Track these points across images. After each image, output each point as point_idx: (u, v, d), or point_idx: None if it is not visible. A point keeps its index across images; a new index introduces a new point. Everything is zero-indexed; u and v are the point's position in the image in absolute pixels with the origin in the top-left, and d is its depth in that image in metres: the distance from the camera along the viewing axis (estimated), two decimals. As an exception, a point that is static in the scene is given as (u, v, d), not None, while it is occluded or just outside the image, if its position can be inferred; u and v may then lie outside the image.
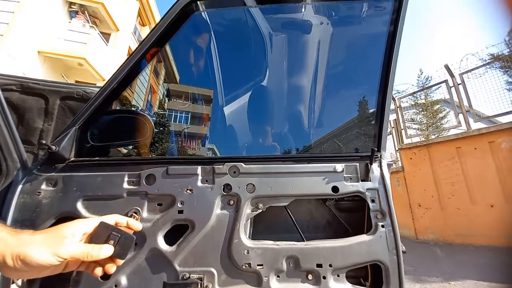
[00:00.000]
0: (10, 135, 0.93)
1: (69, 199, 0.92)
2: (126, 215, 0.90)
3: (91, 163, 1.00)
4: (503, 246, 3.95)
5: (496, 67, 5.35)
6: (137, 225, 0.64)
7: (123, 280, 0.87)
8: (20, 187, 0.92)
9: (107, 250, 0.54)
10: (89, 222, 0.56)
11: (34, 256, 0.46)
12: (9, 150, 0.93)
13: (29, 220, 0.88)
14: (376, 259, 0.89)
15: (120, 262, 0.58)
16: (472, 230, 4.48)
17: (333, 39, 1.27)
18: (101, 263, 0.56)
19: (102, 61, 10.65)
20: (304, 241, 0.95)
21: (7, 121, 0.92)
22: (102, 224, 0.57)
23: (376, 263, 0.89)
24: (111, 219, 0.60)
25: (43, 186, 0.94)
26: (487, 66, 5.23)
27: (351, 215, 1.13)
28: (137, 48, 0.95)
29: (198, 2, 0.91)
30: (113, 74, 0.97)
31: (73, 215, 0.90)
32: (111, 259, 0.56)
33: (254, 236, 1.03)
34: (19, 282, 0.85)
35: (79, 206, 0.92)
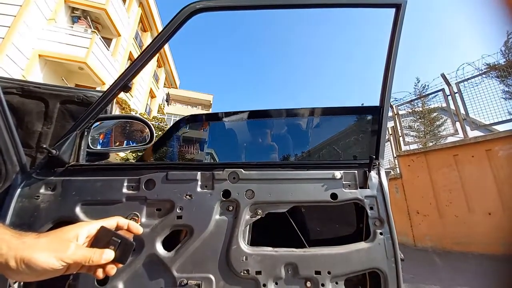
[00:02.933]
0: (10, 138, 0.93)
1: (68, 204, 0.92)
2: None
3: (90, 168, 1.00)
4: (501, 254, 3.94)
5: (492, 77, 5.44)
6: (137, 229, 0.65)
7: (120, 286, 0.86)
8: (18, 190, 0.91)
9: (108, 255, 0.54)
10: (92, 226, 0.57)
11: (38, 260, 0.47)
12: (9, 153, 0.93)
13: (27, 224, 0.87)
14: (374, 266, 0.89)
15: (121, 264, 0.58)
16: (470, 238, 4.47)
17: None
18: (102, 265, 0.56)
19: (103, 66, 10.73)
20: (306, 247, 0.95)
21: (8, 124, 0.93)
22: (103, 229, 0.57)
23: (375, 270, 0.89)
24: (113, 221, 0.61)
25: (42, 190, 0.94)
26: (484, 76, 5.32)
27: (349, 222, 1.13)
28: (140, 54, 0.97)
29: (203, 10, 0.93)
30: (115, 80, 0.98)
31: (72, 220, 0.90)
32: (112, 261, 0.56)
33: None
34: (16, 286, 0.84)
35: (78, 210, 0.92)
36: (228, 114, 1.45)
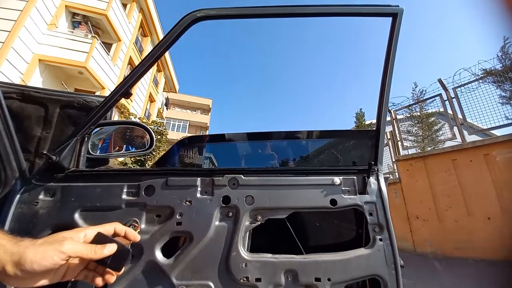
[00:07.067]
0: (10, 143, 0.93)
1: (67, 210, 0.92)
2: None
3: (90, 174, 1.00)
4: (502, 259, 3.92)
5: (489, 82, 5.50)
6: (134, 236, 0.64)
7: None
8: (18, 196, 0.91)
9: (111, 247, 0.54)
10: (89, 231, 0.56)
11: (35, 257, 0.46)
12: (9, 159, 0.93)
13: (26, 231, 0.87)
14: (374, 273, 0.89)
15: (117, 272, 0.57)
16: (470, 243, 4.45)
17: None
18: (100, 272, 0.56)
19: (103, 70, 10.78)
20: (303, 254, 0.95)
21: (8, 129, 0.93)
22: (99, 235, 0.57)
23: (375, 277, 0.89)
24: (110, 227, 0.61)
25: (41, 196, 0.93)
26: (480, 81, 5.38)
27: (349, 228, 1.13)
28: (140, 62, 0.98)
29: (204, 18, 0.94)
30: (116, 87, 0.99)
31: (71, 226, 0.89)
32: (107, 268, 0.56)
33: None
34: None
35: (77, 217, 0.91)
36: (225, 136, 1.46)
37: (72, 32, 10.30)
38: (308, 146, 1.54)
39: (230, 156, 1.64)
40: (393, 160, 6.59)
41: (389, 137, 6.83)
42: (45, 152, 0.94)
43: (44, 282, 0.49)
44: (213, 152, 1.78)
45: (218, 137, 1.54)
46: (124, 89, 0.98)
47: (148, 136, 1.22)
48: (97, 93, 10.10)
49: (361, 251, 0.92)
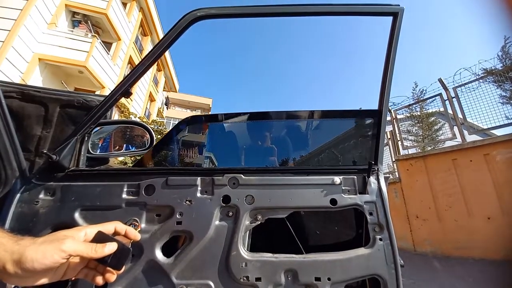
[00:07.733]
0: (10, 143, 0.93)
1: (67, 209, 0.92)
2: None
3: (90, 173, 1.00)
4: (502, 259, 3.93)
5: (489, 82, 5.49)
6: (135, 235, 0.64)
7: None
8: (18, 196, 0.91)
9: (111, 246, 0.53)
10: (90, 230, 0.56)
11: (36, 255, 0.45)
12: (9, 158, 0.93)
13: (26, 230, 0.87)
14: (374, 273, 0.89)
15: (117, 271, 0.57)
16: (470, 243, 4.46)
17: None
18: (100, 271, 0.56)
19: (103, 69, 10.78)
20: (303, 253, 0.95)
21: (9, 129, 0.93)
22: (100, 234, 0.57)
23: (375, 277, 0.89)
24: (111, 226, 0.61)
25: (41, 195, 0.93)
26: (481, 81, 5.37)
27: (349, 228, 1.13)
28: (141, 61, 0.97)
29: (204, 17, 0.94)
30: (116, 86, 0.99)
31: (71, 225, 0.89)
32: (108, 267, 0.55)
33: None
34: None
35: (77, 216, 0.92)
36: (228, 115, 1.47)
37: (72, 31, 10.29)
38: (309, 126, 1.54)
39: (233, 137, 1.63)
40: (393, 159, 6.59)
41: (389, 136, 6.83)
42: (45, 151, 0.94)
43: (44, 280, 0.49)
44: (217, 133, 1.76)
45: (220, 118, 1.53)
46: (124, 89, 0.98)
47: (148, 136, 1.22)
48: (97, 92, 10.09)
49: (361, 251, 0.92)
